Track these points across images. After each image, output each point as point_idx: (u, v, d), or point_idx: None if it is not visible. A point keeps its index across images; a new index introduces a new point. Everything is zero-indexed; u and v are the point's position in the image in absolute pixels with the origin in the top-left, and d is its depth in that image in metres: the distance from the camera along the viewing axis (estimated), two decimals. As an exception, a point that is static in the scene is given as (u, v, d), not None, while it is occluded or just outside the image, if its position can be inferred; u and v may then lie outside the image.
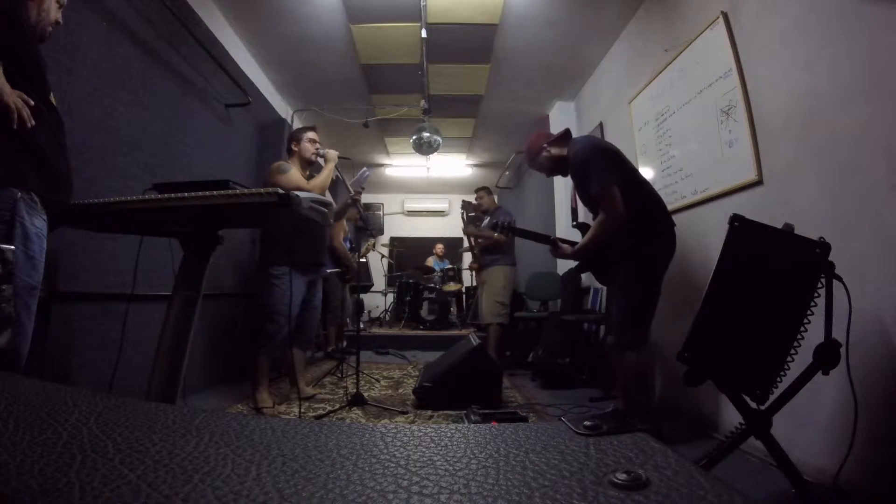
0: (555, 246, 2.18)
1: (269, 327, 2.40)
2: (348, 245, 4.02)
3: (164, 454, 0.35)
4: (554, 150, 2.18)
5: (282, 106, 4.32)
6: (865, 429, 1.26)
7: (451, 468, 0.34)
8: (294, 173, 2.44)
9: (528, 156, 2.30)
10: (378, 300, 7.03)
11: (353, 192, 2.72)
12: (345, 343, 4.07)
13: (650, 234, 1.91)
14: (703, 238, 2.25)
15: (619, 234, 1.90)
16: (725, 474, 1.44)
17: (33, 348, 1.19)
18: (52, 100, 1.29)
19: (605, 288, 2.39)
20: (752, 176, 1.92)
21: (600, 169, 1.91)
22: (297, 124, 4.41)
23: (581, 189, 2.05)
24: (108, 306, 2.00)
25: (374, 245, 5.65)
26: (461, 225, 4.72)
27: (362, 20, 3.18)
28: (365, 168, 2.91)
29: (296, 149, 2.56)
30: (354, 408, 2.38)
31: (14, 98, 1.09)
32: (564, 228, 4.12)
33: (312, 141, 2.57)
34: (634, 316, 1.90)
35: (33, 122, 1.14)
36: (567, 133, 2.23)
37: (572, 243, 2.15)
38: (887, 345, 1.35)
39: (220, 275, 3.04)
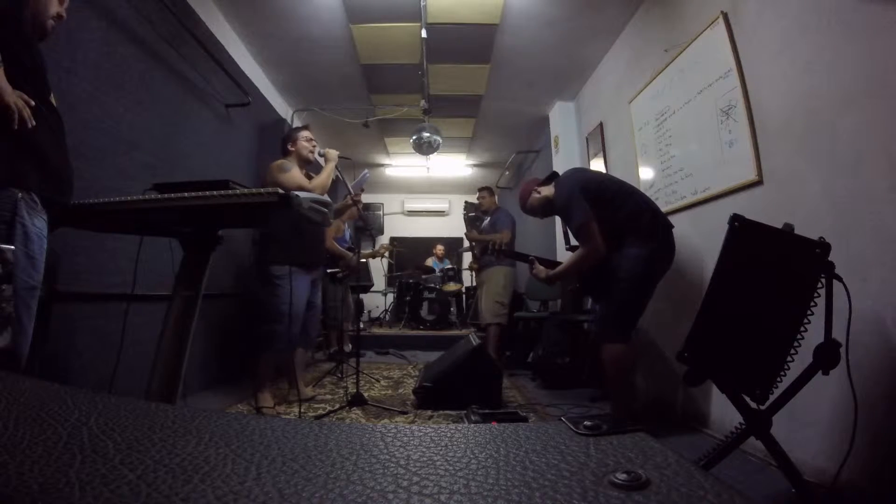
0: (532, 266, 2.30)
1: (275, 328, 2.37)
2: (346, 246, 4.01)
3: (164, 454, 0.35)
4: (543, 191, 2.29)
5: (282, 106, 4.32)
6: (865, 429, 1.26)
7: (451, 468, 0.34)
8: (296, 172, 2.43)
9: (521, 201, 2.40)
10: (378, 300, 7.03)
11: (353, 194, 2.72)
12: (349, 346, 4.05)
13: (644, 238, 1.97)
14: (703, 238, 2.25)
15: (600, 259, 2.02)
16: (725, 474, 1.44)
17: (33, 348, 1.19)
18: (53, 100, 1.29)
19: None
20: (752, 176, 1.92)
21: (578, 207, 2.02)
22: (297, 124, 4.41)
23: (566, 225, 2.19)
24: (108, 306, 1.99)
25: (387, 250, 5.47)
26: (463, 226, 4.71)
27: (362, 20, 3.18)
28: (366, 170, 2.92)
29: (293, 148, 2.54)
30: (354, 408, 2.38)
31: (15, 98, 1.09)
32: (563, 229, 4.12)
33: (309, 140, 2.57)
34: (618, 311, 1.98)
35: (34, 123, 1.14)
36: (554, 174, 2.34)
37: (553, 264, 2.28)
38: (887, 345, 1.35)
39: (220, 275, 3.04)
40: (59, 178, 1.27)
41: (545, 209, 2.32)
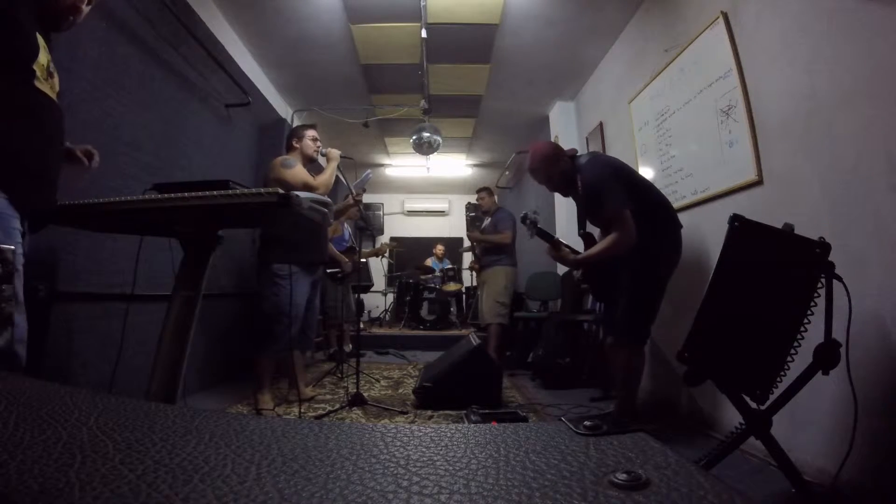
0: (556, 248, 2.15)
1: (275, 328, 2.37)
2: (346, 245, 4.02)
3: (164, 454, 0.35)
4: (568, 167, 2.12)
5: (282, 106, 4.32)
6: (865, 429, 1.26)
7: (451, 468, 0.34)
8: (300, 169, 2.43)
9: (537, 162, 2.16)
10: (378, 300, 7.03)
11: (355, 194, 2.72)
12: (349, 346, 4.04)
13: (659, 236, 1.93)
14: (703, 238, 2.25)
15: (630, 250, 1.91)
16: (725, 474, 1.44)
17: (34, 349, 1.18)
18: (50, 91, 1.21)
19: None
20: (752, 176, 1.92)
21: (614, 191, 1.91)
22: (297, 124, 4.41)
23: (592, 208, 2.04)
24: (108, 306, 1.99)
25: (387, 249, 5.51)
26: (465, 227, 4.72)
27: (362, 20, 3.18)
28: (368, 171, 2.92)
29: (297, 146, 2.55)
30: (354, 408, 2.38)
31: None
32: (563, 227, 4.12)
33: (314, 139, 2.57)
34: (636, 316, 1.93)
35: None
36: (574, 152, 2.20)
37: (574, 251, 2.17)
38: (887, 345, 1.35)
39: (220, 275, 3.04)
40: (34, 176, 1.17)
41: (562, 184, 2.15)
